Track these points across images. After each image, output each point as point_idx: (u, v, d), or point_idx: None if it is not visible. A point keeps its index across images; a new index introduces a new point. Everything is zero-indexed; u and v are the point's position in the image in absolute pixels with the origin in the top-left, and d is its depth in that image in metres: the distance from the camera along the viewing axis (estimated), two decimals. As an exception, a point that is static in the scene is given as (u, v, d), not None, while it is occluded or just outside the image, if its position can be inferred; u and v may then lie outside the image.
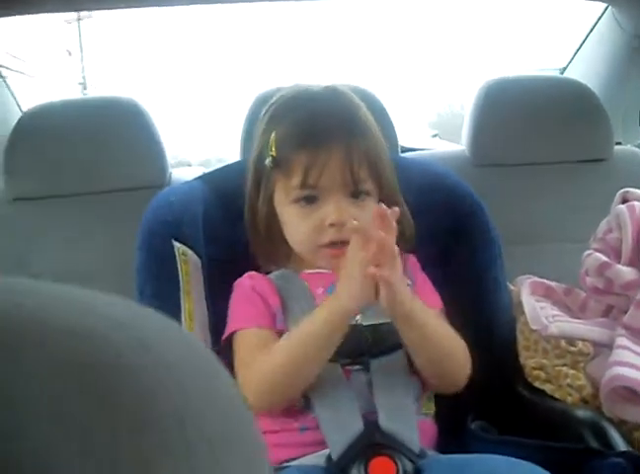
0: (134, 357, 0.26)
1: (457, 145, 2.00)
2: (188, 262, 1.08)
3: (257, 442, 0.31)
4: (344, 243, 0.97)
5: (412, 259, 1.13)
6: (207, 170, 1.43)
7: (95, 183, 1.63)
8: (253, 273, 1.09)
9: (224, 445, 0.27)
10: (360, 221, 0.98)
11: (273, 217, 1.06)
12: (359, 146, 0.98)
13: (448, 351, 0.98)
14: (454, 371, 0.99)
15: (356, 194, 1.00)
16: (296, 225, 1.02)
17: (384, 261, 0.88)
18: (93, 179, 1.63)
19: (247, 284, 1.06)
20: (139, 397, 0.24)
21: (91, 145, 1.61)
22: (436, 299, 1.09)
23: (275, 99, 1.08)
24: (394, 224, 0.89)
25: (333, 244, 0.99)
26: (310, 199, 1.00)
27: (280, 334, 1.00)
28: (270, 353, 0.96)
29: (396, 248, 0.90)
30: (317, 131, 0.98)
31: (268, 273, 1.10)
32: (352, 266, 0.91)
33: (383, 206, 0.90)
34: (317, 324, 0.92)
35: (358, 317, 0.95)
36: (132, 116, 1.63)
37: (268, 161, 1.02)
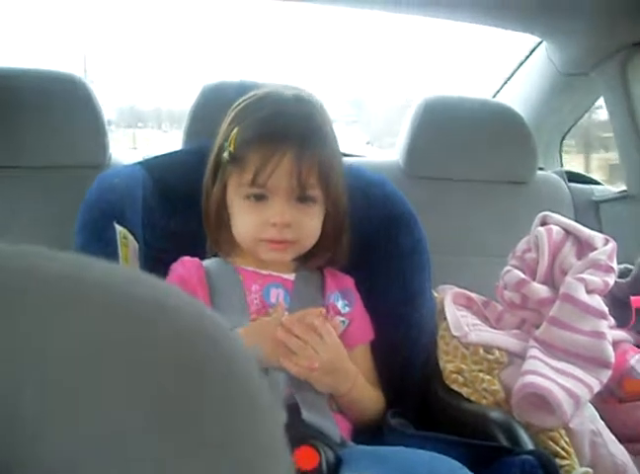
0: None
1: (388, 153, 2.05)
2: (128, 245, 1.09)
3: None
4: (284, 241, 1.05)
5: (350, 282, 1.19)
6: (147, 155, 1.42)
7: (30, 156, 1.58)
8: (186, 258, 1.12)
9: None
10: (303, 225, 1.05)
11: (223, 206, 1.10)
12: (311, 154, 1.02)
13: (368, 414, 1.10)
14: (368, 418, 1.10)
15: (302, 198, 1.05)
16: (242, 218, 1.07)
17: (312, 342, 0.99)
18: (28, 152, 1.58)
19: (176, 274, 1.09)
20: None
21: (29, 117, 1.56)
22: (368, 331, 1.17)
23: (247, 95, 1.10)
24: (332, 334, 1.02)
25: (273, 240, 1.05)
26: (259, 197, 1.04)
27: None
28: None
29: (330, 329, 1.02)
30: (274, 135, 1.01)
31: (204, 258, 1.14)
32: (264, 325, 1.00)
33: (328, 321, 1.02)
34: None
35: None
36: (76, 91, 1.59)
37: (225, 155, 1.06)
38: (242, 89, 1.14)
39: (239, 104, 1.10)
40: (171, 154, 1.34)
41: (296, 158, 1.01)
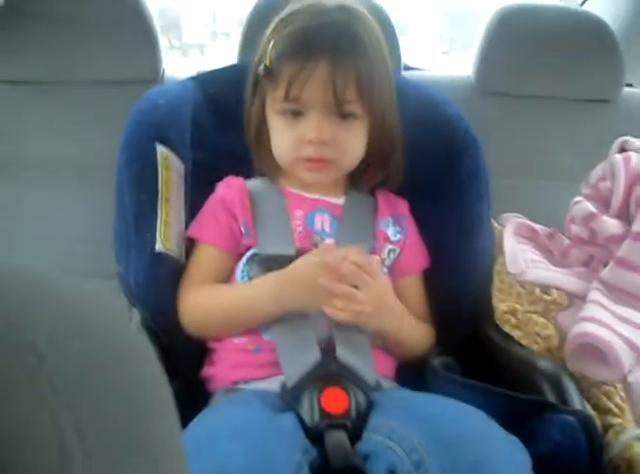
0: None
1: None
2: (169, 167, 1.06)
3: None
4: (322, 160, 1.00)
5: (404, 207, 1.13)
6: (200, 70, 1.37)
7: (83, 71, 1.57)
8: (230, 178, 1.09)
9: None
10: (342, 142, 0.98)
11: (262, 125, 1.06)
12: (348, 65, 0.95)
13: (416, 350, 1.05)
14: (415, 355, 1.05)
15: (342, 114, 0.98)
16: (279, 136, 1.02)
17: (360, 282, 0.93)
18: (81, 67, 1.57)
19: (218, 195, 1.07)
20: None
21: (80, 30, 1.54)
22: (420, 261, 1.11)
23: (287, 8, 1.03)
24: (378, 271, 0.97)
25: (310, 159, 1.00)
26: (295, 113, 0.99)
27: (248, 248, 1.02)
28: (212, 291, 1.00)
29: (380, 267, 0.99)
30: (307, 46, 0.95)
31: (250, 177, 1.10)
32: (309, 267, 0.94)
33: (367, 258, 0.96)
34: (262, 297, 0.95)
35: None
36: (128, 4, 1.55)
37: (260, 69, 1.01)
38: None
39: (279, 16, 1.03)
40: (225, 69, 1.30)
41: (331, 69, 0.94)
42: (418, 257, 1.11)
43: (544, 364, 0.93)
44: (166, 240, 1.02)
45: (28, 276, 0.31)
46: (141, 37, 1.57)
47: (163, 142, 1.06)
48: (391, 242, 1.08)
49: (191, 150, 1.13)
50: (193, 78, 1.24)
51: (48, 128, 1.54)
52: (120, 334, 0.33)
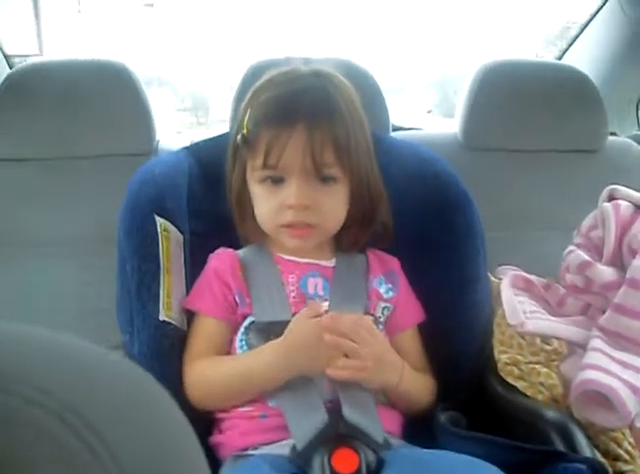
0: None
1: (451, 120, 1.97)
2: (169, 238, 1.08)
3: None
4: (306, 224, 1.00)
5: (395, 264, 1.14)
6: (194, 140, 1.41)
7: (81, 147, 1.60)
8: (221, 250, 1.10)
9: None
10: (322, 206, 1.00)
11: (244, 193, 1.07)
12: (325, 129, 0.97)
13: (419, 402, 1.06)
14: (419, 407, 1.06)
15: (321, 178, 0.99)
16: (260, 204, 1.04)
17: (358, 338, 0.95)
18: (79, 143, 1.60)
19: (211, 267, 1.08)
20: None
21: (78, 108, 1.58)
22: (415, 314, 1.12)
23: (263, 76, 1.07)
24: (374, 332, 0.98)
25: (292, 225, 1.00)
26: (276, 180, 1.00)
27: (245, 317, 1.02)
28: (213, 364, 1.01)
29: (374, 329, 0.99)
30: (284, 112, 0.97)
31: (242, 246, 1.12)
32: (307, 330, 0.95)
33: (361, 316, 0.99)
34: (263, 367, 0.96)
35: None
36: (122, 80, 1.59)
37: (239, 138, 1.03)
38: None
39: (255, 84, 1.06)
40: (217, 137, 1.32)
41: (307, 133, 0.95)
42: (412, 312, 1.12)
43: (551, 413, 0.94)
44: (168, 309, 1.03)
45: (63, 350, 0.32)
46: (136, 111, 1.61)
47: (161, 213, 1.08)
48: (384, 300, 1.09)
49: (188, 219, 1.14)
50: (186, 148, 1.26)
51: (49, 204, 1.57)
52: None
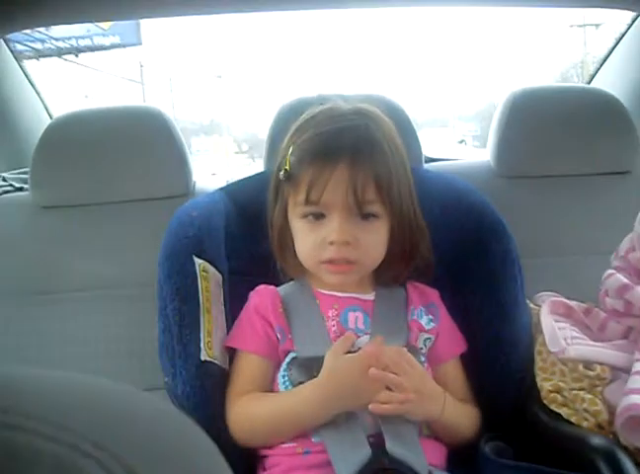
0: None
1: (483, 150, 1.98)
2: (208, 278, 1.10)
3: None
4: (347, 261, 1.01)
5: (435, 295, 1.14)
6: (230, 180, 1.43)
7: (119, 192, 1.64)
8: (261, 287, 1.12)
9: None
10: (363, 242, 1.01)
11: (286, 229, 1.09)
12: (367, 166, 0.99)
13: (463, 432, 1.06)
14: (463, 438, 1.06)
15: (363, 215, 1.01)
16: (301, 240, 1.05)
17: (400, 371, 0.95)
18: (117, 188, 1.64)
19: (252, 304, 1.09)
20: None
21: (116, 154, 1.62)
22: (457, 345, 1.12)
23: (304, 114, 1.09)
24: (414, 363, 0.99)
25: (333, 261, 1.02)
26: (317, 216, 1.02)
27: (286, 353, 1.03)
28: (257, 402, 1.02)
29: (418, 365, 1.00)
30: (326, 150, 0.99)
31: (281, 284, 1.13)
32: (348, 366, 0.96)
33: (398, 354, 0.98)
34: (306, 405, 0.97)
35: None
36: (157, 125, 1.63)
37: (282, 174, 1.05)
38: (320, 104, 1.11)
39: (297, 122, 1.08)
40: (252, 177, 1.35)
41: (350, 171, 0.98)
42: (454, 342, 1.12)
43: (597, 440, 0.92)
44: (210, 349, 1.04)
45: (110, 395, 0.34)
46: (172, 154, 1.64)
47: (200, 254, 1.10)
48: (426, 331, 1.09)
49: (226, 259, 1.17)
50: (222, 189, 1.29)
51: (89, 250, 1.60)
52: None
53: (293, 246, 1.08)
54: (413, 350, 1.05)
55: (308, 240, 1.03)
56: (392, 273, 1.10)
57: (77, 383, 0.35)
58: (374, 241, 1.03)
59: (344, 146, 0.99)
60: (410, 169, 1.09)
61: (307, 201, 1.00)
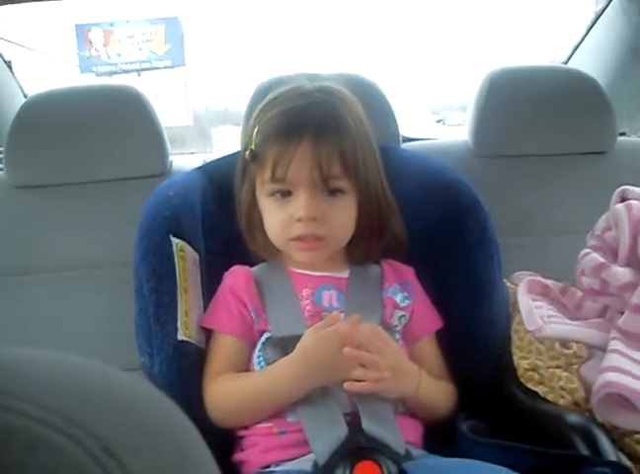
0: None
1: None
2: (185, 258, 1.09)
3: None
4: (315, 237, 1.01)
5: (410, 273, 1.14)
6: (207, 160, 1.42)
7: (96, 171, 1.62)
8: (236, 267, 1.12)
9: None
10: (332, 218, 1.01)
11: (254, 208, 1.09)
12: (331, 142, 0.98)
13: (438, 408, 1.06)
14: (440, 414, 1.06)
15: (330, 191, 1.01)
16: (270, 218, 1.05)
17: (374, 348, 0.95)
18: (94, 167, 1.62)
19: (226, 285, 1.09)
20: None
21: (92, 133, 1.60)
22: (432, 321, 1.12)
23: (269, 94, 1.09)
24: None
25: (301, 238, 1.02)
26: (284, 194, 1.02)
27: (261, 333, 1.03)
28: (233, 381, 1.01)
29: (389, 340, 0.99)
30: (291, 127, 0.99)
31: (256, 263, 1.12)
32: (323, 342, 0.95)
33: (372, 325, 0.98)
34: (281, 381, 0.96)
35: None
36: (134, 104, 1.61)
37: (247, 154, 1.04)
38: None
39: (263, 102, 1.08)
40: (229, 156, 1.33)
41: (314, 147, 0.98)
42: (429, 319, 1.12)
43: (573, 418, 0.93)
44: (187, 329, 1.04)
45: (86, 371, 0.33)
46: (149, 133, 1.63)
47: (177, 233, 1.09)
48: (400, 308, 1.09)
49: (203, 239, 1.16)
50: (199, 168, 1.28)
51: (63, 230, 1.59)
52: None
53: (262, 225, 1.08)
54: (387, 327, 1.05)
55: (276, 218, 1.03)
56: (363, 249, 1.10)
57: (53, 361, 0.34)
58: (342, 216, 1.03)
59: (308, 123, 0.98)
60: (377, 146, 1.09)
61: (273, 179, 1.00)
